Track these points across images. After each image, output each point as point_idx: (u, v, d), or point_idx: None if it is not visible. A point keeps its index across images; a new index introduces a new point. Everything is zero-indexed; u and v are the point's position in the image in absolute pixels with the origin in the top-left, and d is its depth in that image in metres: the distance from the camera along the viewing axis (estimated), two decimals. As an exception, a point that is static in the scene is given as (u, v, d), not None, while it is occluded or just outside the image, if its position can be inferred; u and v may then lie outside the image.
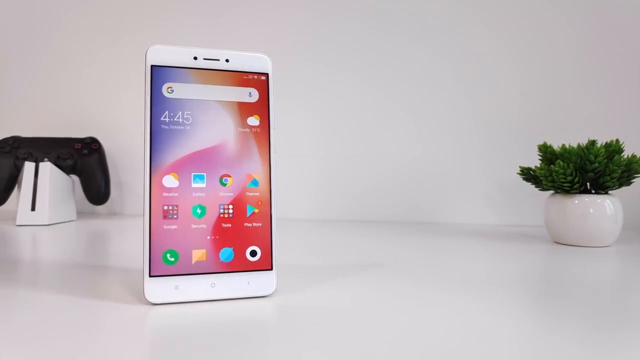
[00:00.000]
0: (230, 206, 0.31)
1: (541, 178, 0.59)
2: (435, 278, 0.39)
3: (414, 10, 0.84)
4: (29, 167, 0.74)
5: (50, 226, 0.71)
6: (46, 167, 0.74)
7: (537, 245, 0.58)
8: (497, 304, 0.31)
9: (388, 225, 0.77)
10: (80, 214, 0.87)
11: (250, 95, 0.33)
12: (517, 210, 0.81)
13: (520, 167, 0.63)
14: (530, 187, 0.67)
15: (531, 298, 0.34)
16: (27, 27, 0.95)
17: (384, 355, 0.22)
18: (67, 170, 0.79)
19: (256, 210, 0.32)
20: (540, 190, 0.63)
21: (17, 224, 0.71)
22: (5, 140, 0.79)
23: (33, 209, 0.72)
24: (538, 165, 0.61)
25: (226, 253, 0.31)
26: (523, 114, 0.81)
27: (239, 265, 0.31)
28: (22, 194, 0.72)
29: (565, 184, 0.57)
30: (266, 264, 0.32)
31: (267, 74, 0.33)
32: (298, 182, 0.86)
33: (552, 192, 0.61)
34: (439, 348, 0.23)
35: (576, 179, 0.56)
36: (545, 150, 0.61)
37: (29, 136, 0.80)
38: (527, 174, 0.63)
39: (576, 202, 0.57)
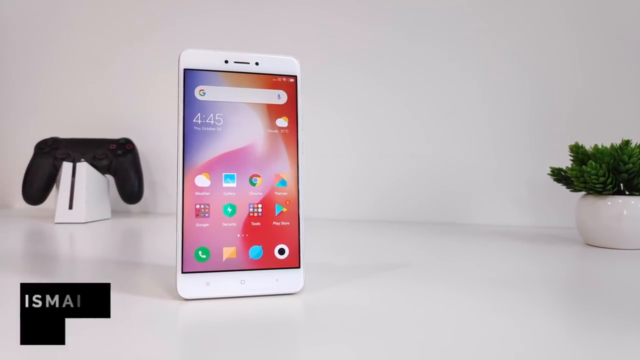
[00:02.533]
0: (260, 205, 0.32)
1: (572, 179, 0.58)
2: (464, 280, 0.39)
3: (443, 13, 0.83)
4: (66, 167, 0.77)
5: (87, 224, 0.73)
6: (83, 167, 0.77)
7: (569, 247, 0.57)
8: (529, 306, 0.31)
9: (415, 226, 0.77)
10: (115, 212, 0.90)
11: (279, 97, 0.33)
12: (547, 212, 0.80)
13: (551, 167, 0.62)
14: (560, 188, 0.66)
15: (565, 301, 0.34)
16: (63, 30, 0.99)
17: (410, 353, 0.23)
18: (103, 170, 0.82)
19: (284, 210, 0.33)
20: (571, 191, 0.62)
21: (56, 221, 0.73)
22: (45, 141, 0.82)
23: (70, 207, 0.75)
24: (569, 166, 0.60)
25: (255, 251, 0.32)
26: (553, 113, 0.80)
27: (268, 263, 0.32)
28: (60, 193, 0.75)
29: (597, 185, 0.55)
30: (294, 262, 0.32)
31: (295, 76, 0.34)
32: (325, 182, 0.87)
33: (583, 193, 0.60)
34: (467, 349, 0.24)
35: (609, 180, 0.55)
36: (577, 151, 0.60)
37: (67, 137, 0.83)
38: (558, 175, 0.62)
39: (609, 203, 0.56)
